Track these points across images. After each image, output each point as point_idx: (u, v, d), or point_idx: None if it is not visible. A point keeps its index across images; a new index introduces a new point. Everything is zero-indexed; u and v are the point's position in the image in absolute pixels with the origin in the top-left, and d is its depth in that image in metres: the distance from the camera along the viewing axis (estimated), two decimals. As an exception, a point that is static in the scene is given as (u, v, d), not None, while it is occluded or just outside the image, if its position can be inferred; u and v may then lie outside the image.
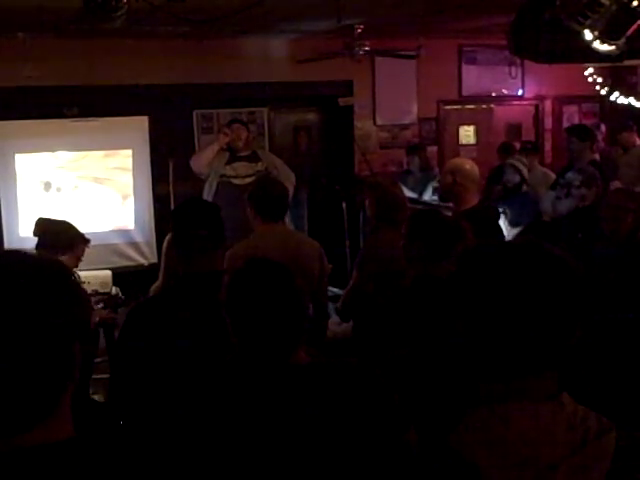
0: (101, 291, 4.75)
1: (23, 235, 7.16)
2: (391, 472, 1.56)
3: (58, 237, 4.18)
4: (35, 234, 4.25)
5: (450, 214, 4.31)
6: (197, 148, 8.35)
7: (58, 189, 7.75)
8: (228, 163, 6.33)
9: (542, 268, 1.38)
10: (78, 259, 4.26)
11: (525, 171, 6.24)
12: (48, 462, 1.12)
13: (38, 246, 4.18)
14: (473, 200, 4.34)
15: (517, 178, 6.12)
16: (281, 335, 1.89)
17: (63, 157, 7.76)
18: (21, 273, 1.16)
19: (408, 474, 1.44)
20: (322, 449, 1.74)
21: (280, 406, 1.79)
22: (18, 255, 1.23)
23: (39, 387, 1.14)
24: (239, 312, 1.94)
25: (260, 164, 6.37)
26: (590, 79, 8.64)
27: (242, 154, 6.37)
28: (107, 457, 1.18)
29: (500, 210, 5.34)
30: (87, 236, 4.39)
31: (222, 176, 6.28)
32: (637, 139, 7.88)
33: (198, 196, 5.75)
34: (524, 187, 6.21)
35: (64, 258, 4.11)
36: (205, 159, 6.31)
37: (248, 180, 5.98)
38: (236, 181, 6.16)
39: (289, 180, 6.14)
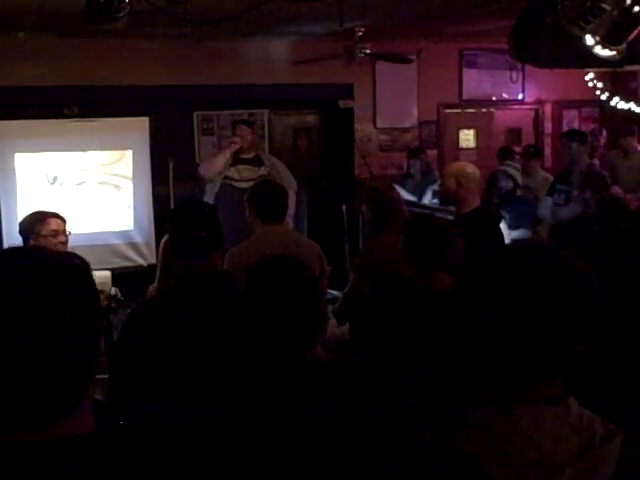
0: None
1: (22, 235, 7.16)
2: (410, 471, 1.56)
3: (20, 231, 4.29)
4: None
5: (452, 217, 4.33)
6: (197, 149, 8.37)
7: (61, 183, 7.74)
8: (232, 165, 6.34)
9: (553, 272, 1.37)
10: (46, 238, 4.19)
11: (518, 176, 6.31)
12: (70, 456, 1.11)
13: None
14: (475, 203, 4.36)
15: (510, 184, 6.21)
16: (298, 331, 1.90)
17: (64, 157, 7.75)
18: (49, 269, 1.15)
19: (420, 472, 1.44)
20: (338, 446, 1.74)
21: (297, 403, 1.79)
22: (40, 251, 1.24)
23: (69, 380, 1.13)
24: (257, 309, 1.94)
25: (263, 168, 6.37)
26: (590, 84, 8.64)
27: (246, 157, 6.37)
28: (123, 453, 1.17)
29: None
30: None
31: (225, 177, 6.30)
32: (638, 144, 7.86)
33: (194, 198, 5.75)
34: (518, 191, 6.27)
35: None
36: (217, 167, 6.33)
37: (250, 184, 5.99)
38: (238, 184, 6.16)
39: (291, 186, 6.14)
